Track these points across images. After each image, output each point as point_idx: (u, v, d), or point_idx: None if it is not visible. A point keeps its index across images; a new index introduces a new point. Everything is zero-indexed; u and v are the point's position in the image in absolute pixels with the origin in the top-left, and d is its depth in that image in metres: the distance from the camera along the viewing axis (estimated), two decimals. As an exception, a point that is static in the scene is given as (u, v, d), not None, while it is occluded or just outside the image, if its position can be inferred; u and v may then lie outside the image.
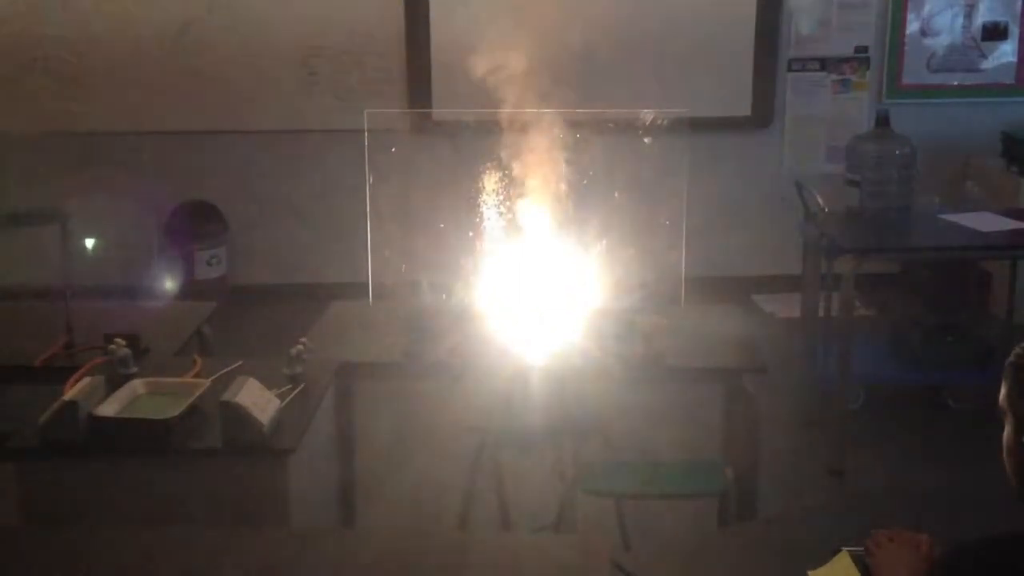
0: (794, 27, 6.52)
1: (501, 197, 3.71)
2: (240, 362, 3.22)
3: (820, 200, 4.84)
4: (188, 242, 6.38)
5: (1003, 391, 1.98)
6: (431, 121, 6.28)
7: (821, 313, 5.07)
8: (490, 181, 3.73)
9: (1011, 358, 1.98)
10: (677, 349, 3.45)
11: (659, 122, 4.08)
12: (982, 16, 6.57)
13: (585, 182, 3.79)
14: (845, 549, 2.25)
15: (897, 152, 4.93)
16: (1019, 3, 6.57)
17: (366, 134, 4.16)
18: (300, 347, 3.17)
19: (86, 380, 2.93)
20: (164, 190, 6.44)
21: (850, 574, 2.19)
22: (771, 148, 6.64)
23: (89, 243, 3.61)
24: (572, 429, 3.54)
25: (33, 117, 6.16)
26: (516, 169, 3.67)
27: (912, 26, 6.57)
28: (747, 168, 6.62)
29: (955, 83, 6.63)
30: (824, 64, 6.58)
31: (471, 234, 3.73)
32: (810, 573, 2.22)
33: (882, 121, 5.06)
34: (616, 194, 3.91)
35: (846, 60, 6.59)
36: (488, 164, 3.74)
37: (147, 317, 3.83)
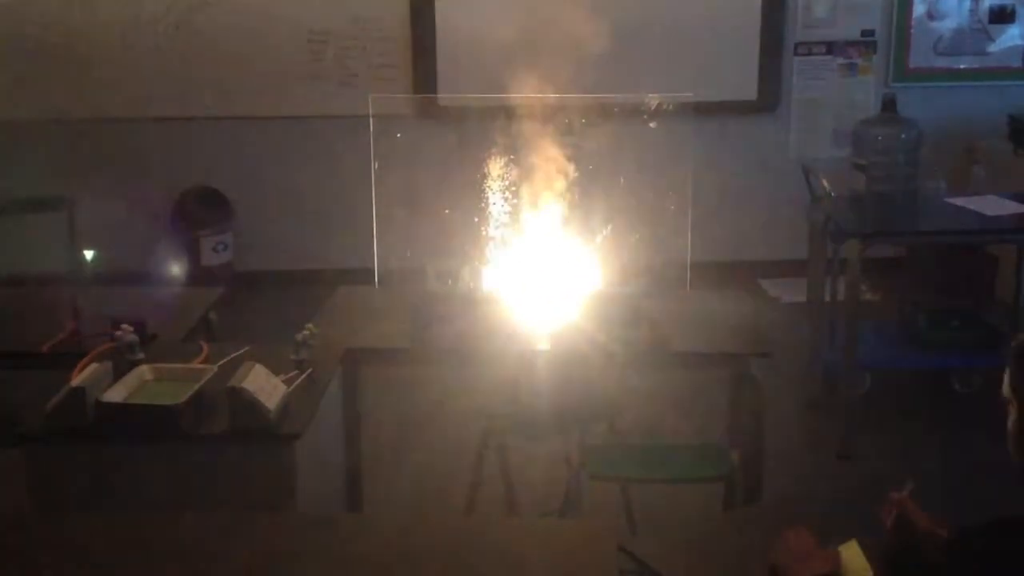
0: (801, 10, 6.49)
1: (506, 182, 3.71)
2: (246, 348, 3.22)
3: (826, 184, 4.83)
4: (194, 228, 6.39)
5: (1006, 379, 1.98)
6: (436, 106, 6.28)
7: (827, 297, 5.07)
8: (495, 166, 3.73)
9: (1014, 345, 1.98)
10: (683, 334, 3.44)
11: (665, 107, 4.07)
12: (989, -1, 6.55)
13: (590, 167, 3.78)
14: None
15: (903, 136, 4.91)
16: (1027, -14, 6.55)
17: (371, 120, 4.15)
18: (306, 333, 3.17)
19: (93, 366, 2.94)
20: (169, 176, 6.45)
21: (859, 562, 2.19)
22: (777, 132, 6.63)
23: (89, 254, 3.60)
24: (578, 414, 3.54)
25: (38, 104, 6.17)
26: (521, 154, 3.66)
27: (919, 9, 6.54)
28: (753, 152, 6.61)
29: (962, 66, 6.61)
30: (830, 48, 6.56)
31: (476, 220, 3.73)
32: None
33: (888, 105, 5.05)
34: (621, 179, 3.90)
35: (852, 44, 6.57)
36: (493, 149, 3.74)
37: (154, 303, 3.83)
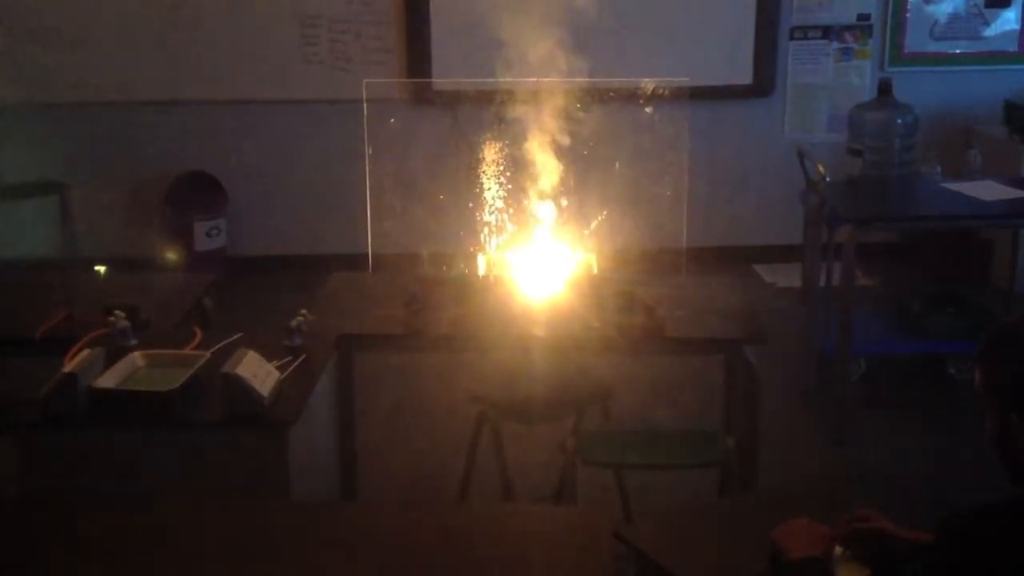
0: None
1: (501, 168, 3.70)
2: (240, 334, 3.21)
3: (821, 169, 4.82)
4: (188, 213, 6.36)
5: (978, 378, 1.92)
6: (431, 91, 6.25)
7: (822, 283, 5.06)
8: (490, 152, 3.72)
9: (981, 344, 1.93)
10: (678, 320, 3.44)
11: (660, 91, 4.06)
12: (985, -17, 6.52)
13: (586, 152, 3.77)
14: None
15: (899, 121, 4.91)
16: (1023, -30, 6.52)
17: (365, 104, 4.14)
18: (300, 318, 3.16)
19: (85, 352, 2.92)
20: (163, 161, 6.42)
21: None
22: (773, 117, 6.61)
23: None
24: (573, 400, 3.54)
25: (30, 88, 6.13)
26: (516, 139, 3.65)
27: (915, -7, 6.53)
28: (748, 137, 6.59)
29: (958, 51, 6.59)
30: (826, 32, 6.54)
31: (471, 205, 3.72)
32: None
33: (884, 89, 5.04)
34: (617, 164, 3.89)
35: (848, 28, 6.54)
36: (488, 134, 3.73)
37: (147, 289, 3.81)
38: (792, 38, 6.53)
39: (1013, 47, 6.60)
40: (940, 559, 1.88)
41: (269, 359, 2.94)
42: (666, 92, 4.05)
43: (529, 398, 3.47)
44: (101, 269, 3.68)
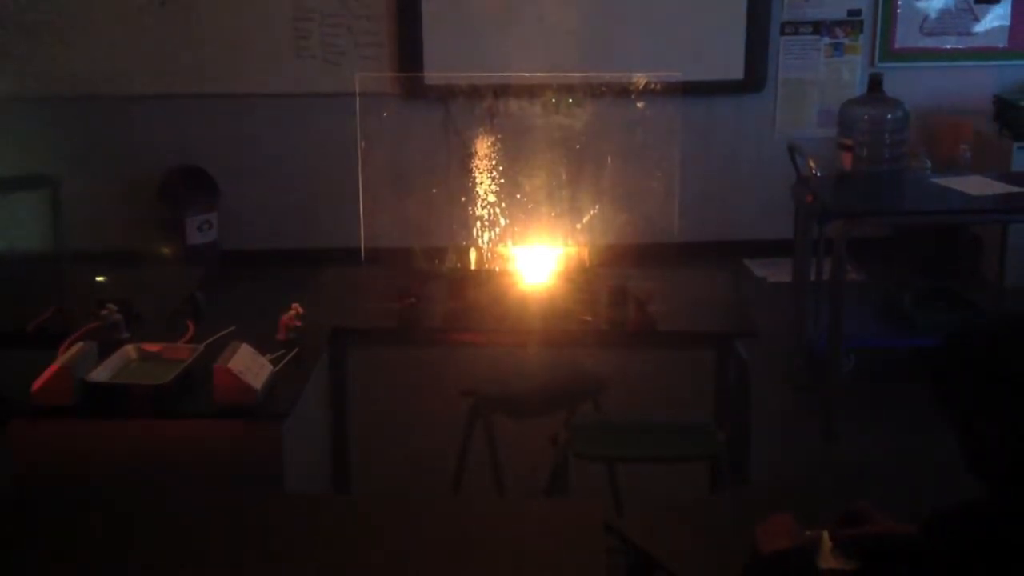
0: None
1: (494, 162, 3.71)
2: (232, 327, 3.21)
3: (812, 164, 4.84)
4: (179, 207, 6.36)
5: (938, 391, 1.94)
6: (423, 85, 6.25)
7: (812, 277, 5.08)
8: (482, 146, 3.72)
9: (935, 356, 1.94)
10: (669, 314, 3.45)
11: (652, 86, 4.06)
12: (975, -21, 6.54)
13: (578, 146, 3.78)
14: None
15: (889, 116, 4.92)
16: (1012, -34, 6.54)
17: (357, 98, 4.13)
18: (293, 312, 3.17)
19: (78, 346, 2.92)
20: (154, 155, 6.41)
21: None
22: (763, 112, 6.62)
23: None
24: (565, 394, 3.55)
25: (20, 81, 6.11)
26: (508, 134, 3.66)
27: (905, -11, 6.54)
28: (740, 132, 6.61)
29: (948, 47, 6.61)
30: (817, 27, 6.56)
31: (463, 199, 3.73)
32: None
33: (875, 85, 5.05)
34: (609, 158, 3.90)
35: (839, 23, 6.56)
36: (480, 128, 3.73)
37: (139, 283, 3.81)
38: (783, 33, 6.55)
39: (1003, 43, 6.62)
40: (925, 557, 1.90)
41: (262, 353, 2.95)
42: (658, 87, 4.05)
43: (522, 392, 3.49)
44: (99, 277, 3.68)
